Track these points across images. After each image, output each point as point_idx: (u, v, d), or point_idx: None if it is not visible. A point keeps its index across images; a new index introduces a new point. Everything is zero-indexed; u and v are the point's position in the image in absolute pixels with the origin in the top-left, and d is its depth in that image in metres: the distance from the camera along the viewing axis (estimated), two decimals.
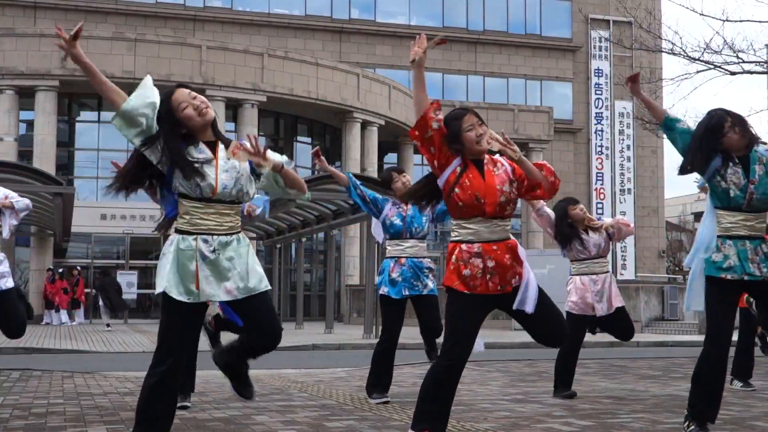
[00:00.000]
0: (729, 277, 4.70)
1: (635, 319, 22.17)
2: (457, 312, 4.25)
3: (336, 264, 28.72)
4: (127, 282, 28.18)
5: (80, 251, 31.07)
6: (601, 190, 40.37)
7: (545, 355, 13.27)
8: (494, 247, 4.24)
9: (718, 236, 4.75)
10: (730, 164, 4.73)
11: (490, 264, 4.21)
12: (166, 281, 3.96)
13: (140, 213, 29.47)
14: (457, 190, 4.26)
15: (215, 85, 28.69)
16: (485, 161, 4.36)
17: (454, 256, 4.30)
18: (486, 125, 4.42)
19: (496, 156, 4.46)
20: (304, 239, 27.29)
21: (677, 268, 55.31)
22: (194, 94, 4.09)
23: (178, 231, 4.03)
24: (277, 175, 4.16)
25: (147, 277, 30.99)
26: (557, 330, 4.35)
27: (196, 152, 4.01)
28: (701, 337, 18.24)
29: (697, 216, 68.41)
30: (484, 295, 4.23)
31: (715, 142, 4.74)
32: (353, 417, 5.72)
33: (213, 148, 4.06)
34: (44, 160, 26.90)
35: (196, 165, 3.94)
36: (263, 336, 4.10)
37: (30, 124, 28.87)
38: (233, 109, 29.70)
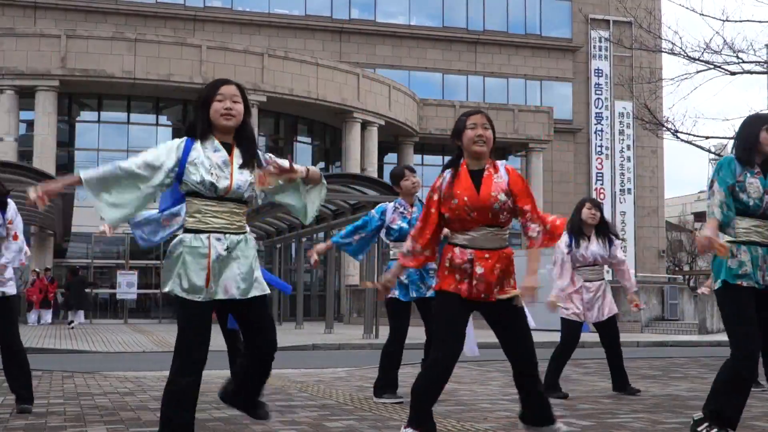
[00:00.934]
0: (745, 284, 4.64)
1: (635, 320, 22.15)
2: (444, 312, 4.32)
3: (336, 264, 28.72)
4: (127, 282, 28.22)
5: (80, 251, 31.07)
6: (601, 190, 40.36)
7: (544, 356, 13.27)
8: (486, 256, 4.27)
9: (733, 242, 4.68)
10: (748, 174, 4.67)
11: (479, 271, 4.25)
12: (175, 282, 4.01)
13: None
14: (454, 201, 4.29)
15: None
16: (486, 167, 4.35)
17: (447, 260, 4.34)
18: (493, 131, 4.41)
19: (500, 162, 4.46)
20: (304, 239, 27.28)
21: (677, 268, 55.31)
22: (237, 97, 4.12)
23: (187, 230, 4.06)
24: (302, 181, 4.25)
25: (147, 277, 30.99)
26: (523, 356, 4.37)
27: (210, 150, 4.06)
28: (701, 338, 18.20)
29: (697, 216, 68.41)
30: (467, 299, 4.28)
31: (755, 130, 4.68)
32: (353, 417, 5.72)
33: (229, 148, 4.11)
34: (44, 160, 26.90)
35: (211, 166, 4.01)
36: (261, 342, 4.13)
37: (30, 124, 28.86)
38: None
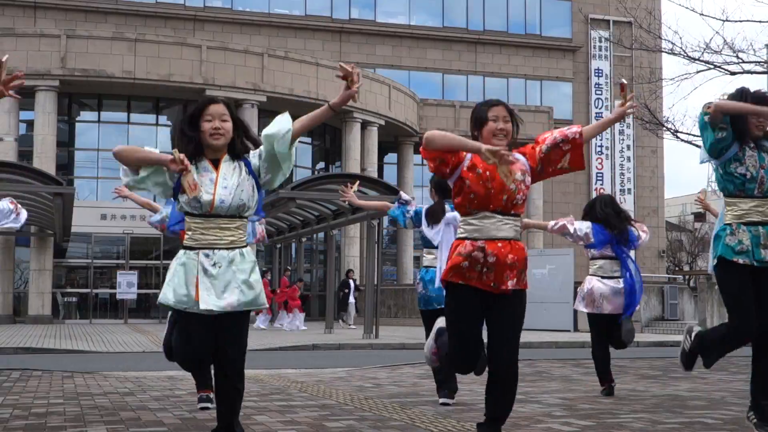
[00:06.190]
0: (741, 261, 4.71)
1: (635, 320, 22.14)
2: (456, 308, 4.26)
3: (336, 264, 28.71)
4: (127, 282, 28.23)
5: (80, 251, 31.08)
6: (601, 190, 40.36)
7: (545, 355, 13.26)
8: (499, 245, 4.14)
9: (732, 223, 4.79)
10: (747, 148, 4.76)
11: (491, 260, 4.12)
12: (167, 293, 4.13)
13: (140, 213, 29.43)
14: (467, 180, 4.14)
15: (215, 85, 28.68)
16: None
17: (456, 251, 4.21)
18: (516, 123, 4.32)
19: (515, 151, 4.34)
20: (304, 239, 27.29)
21: (677, 268, 55.30)
22: (226, 116, 4.17)
23: (184, 247, 4.18)
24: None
25: (147, 277, 30.99)
26: (499, 356, 4.30)
27: (200, 170, 4.13)
28: None
29: (697, 216, 68.38)
30: (477, 288, 4.15)
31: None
32: (353, 417, 5.71)
33: (217, 164, 4.17)
34: (44, 160, 26.89)
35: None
36: (222, 359, 4.18)
37: (30, 124, 28.85)
38: None
